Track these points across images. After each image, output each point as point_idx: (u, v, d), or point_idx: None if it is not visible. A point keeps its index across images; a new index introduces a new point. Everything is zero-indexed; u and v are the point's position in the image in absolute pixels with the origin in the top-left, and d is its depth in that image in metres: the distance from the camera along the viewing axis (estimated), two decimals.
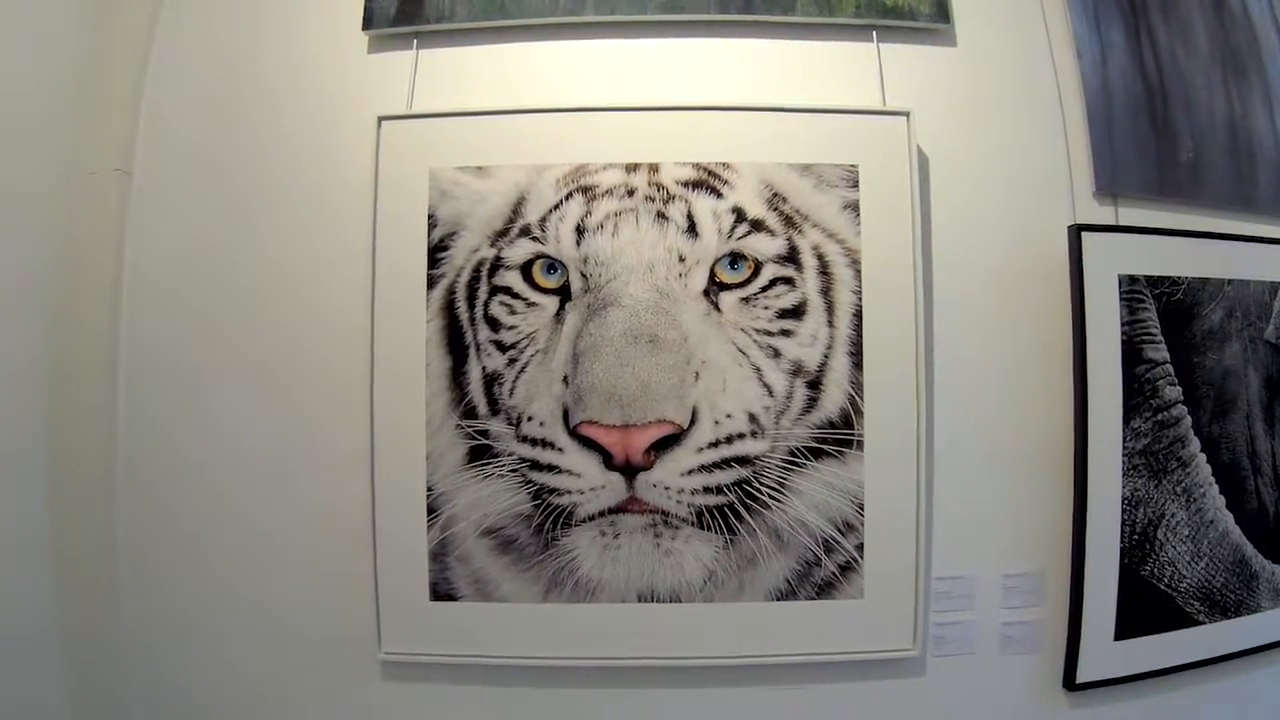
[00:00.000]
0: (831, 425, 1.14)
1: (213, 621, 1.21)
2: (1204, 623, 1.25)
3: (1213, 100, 1.36)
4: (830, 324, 1.15)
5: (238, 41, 1.29)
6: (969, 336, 1.20)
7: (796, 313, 1.15)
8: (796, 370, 1.14)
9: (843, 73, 1.24)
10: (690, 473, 1.12)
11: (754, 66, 1.25)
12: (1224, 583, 1.26)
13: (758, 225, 1.15)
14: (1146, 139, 1.29)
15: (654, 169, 1.16)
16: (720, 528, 1.13)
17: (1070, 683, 1.19)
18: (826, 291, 1.15)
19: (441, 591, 1.16)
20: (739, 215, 1.15)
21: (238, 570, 1.21)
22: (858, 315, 1.15)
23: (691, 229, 1.15)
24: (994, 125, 1.25)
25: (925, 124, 1.20)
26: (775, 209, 1.16)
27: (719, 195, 1.16)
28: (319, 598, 1.20)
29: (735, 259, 1.14)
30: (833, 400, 1.14)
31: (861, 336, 1.15)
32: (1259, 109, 1.40)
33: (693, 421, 1.12)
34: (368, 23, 1.28)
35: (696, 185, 1.16)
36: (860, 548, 1.15)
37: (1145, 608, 1.21)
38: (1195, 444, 1.23)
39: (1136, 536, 1.20)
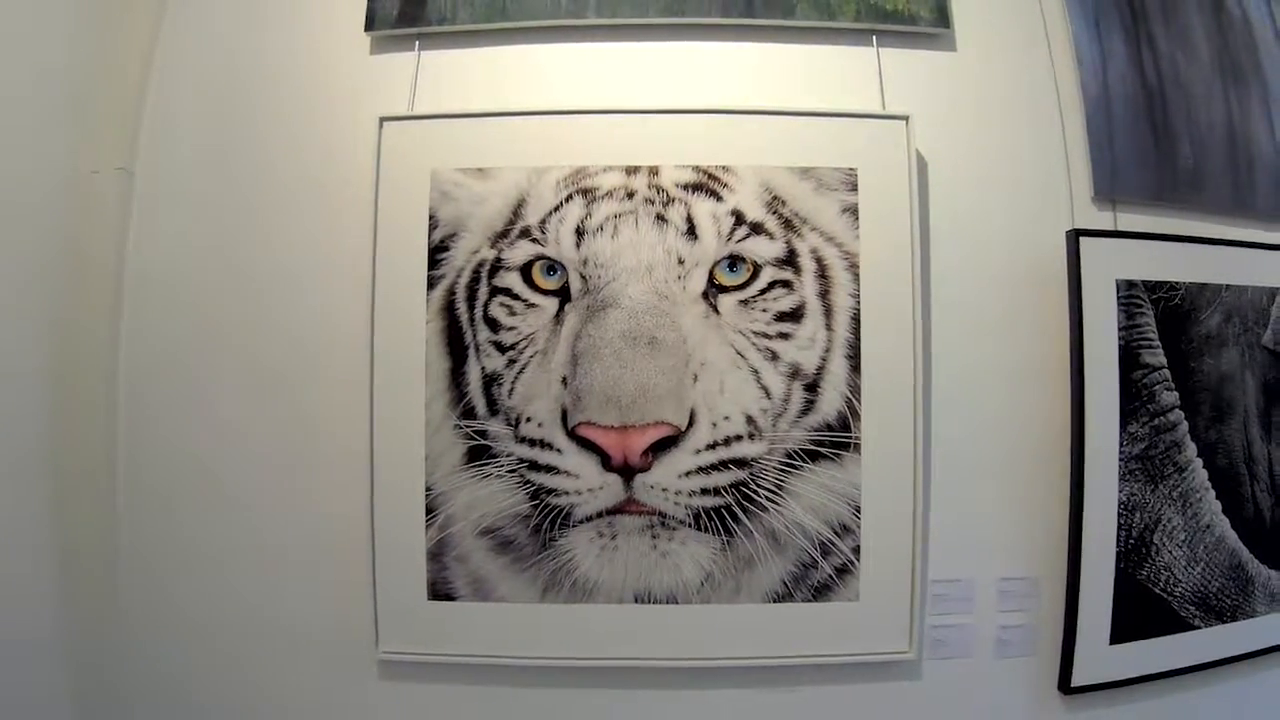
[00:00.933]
0: (829, 428, 1.15)
1: (213, 619, 1.22)
2: (1200, 627, 1.26)
3: (1212, 106, 1.37)
4: (828, 327, 1.15)
5: (241, 42, 1.30)
6: (967, 340, 1.21)
7: (794, 316, 1.15)
8: (794, 373, 1.14)
9: (843, 77, 1.24)
10: (688, 474, 1.13)
11: (755, 70, 1.25)
12: (1220, 587, 1.27)
13: (757, 228, 1.16)
14: (1146, 145, 1.29)
15: (654, 171, 1.17)
16: (717, 529, 1.14)
17: (1066, 686, 1.20)
18: (825, 295, 1.16)
19: (440, 591, 1.17)
20: (738, 218, 1.16)
21: (239, 568, 1.22)
22: (855, 319, 1.16)
23: (691, 231, 1.15)
24: (993, 130, 1.25)
25: (925, 128, 1.21)
26: (774, 212, 1.16)
27: (718, 198, 1.16)
28: (319, 596, 1.21)
29: (734, 261, 1.15)
30: (830, 403, 1.15)
31: (859, 340, 1.15)
32: (1258, 115, 1.41)
33: (691, 423, 1.13)
34: (370, 24, 1.29)
35: (696, 188, 1.16)
36: (857, 550, 1.15)
37: (1141, 612, 1.22)
38: (1192, 449, 1.23)
39: (1133, 541, 1.20)
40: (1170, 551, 1.22)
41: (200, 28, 1.31)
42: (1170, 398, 1.21)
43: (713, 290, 1.14)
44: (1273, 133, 1.42)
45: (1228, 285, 1.26)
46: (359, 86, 1.28)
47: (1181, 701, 1.27)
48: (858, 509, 1.15)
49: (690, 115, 1.19)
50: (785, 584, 1.15)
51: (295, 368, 1.23)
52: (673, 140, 1.18)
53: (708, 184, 1.17)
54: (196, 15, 1.31)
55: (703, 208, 1.16)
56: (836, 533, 1.15)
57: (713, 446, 1.13)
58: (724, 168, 1.17)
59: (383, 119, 1.21)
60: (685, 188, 1.16)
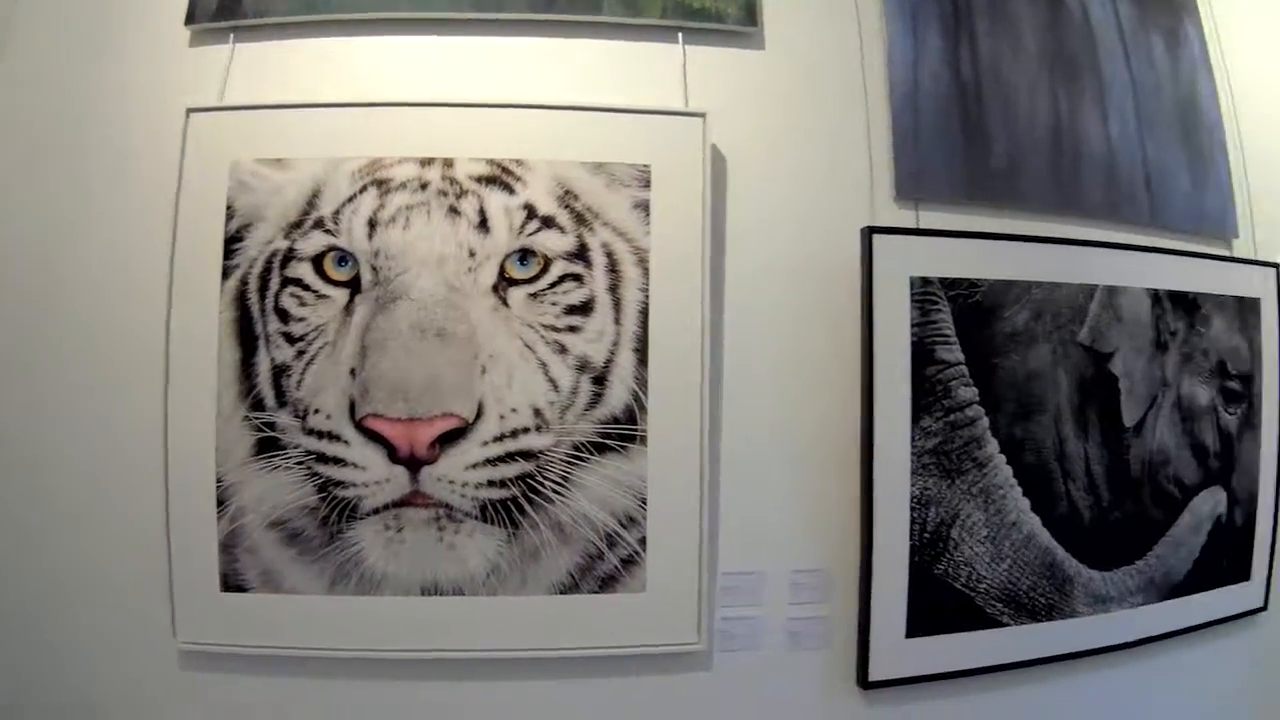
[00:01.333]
0: (616, 421, 1.15)
1: (28, 600, 1.20)
2: (1010, 624, 1.26)
3: (1036, 104, 1.38)
4: (617, 321, 1.16)
5: (68, 42, 1.29)
6: (763, 336, 1.21)
7: (584, 309, 1.15)
8: (582, 366, 1.15)
9: (649, 73, 1.25)
10: (474, 466, 1.13)
11: (561, 65, 1.26)
12: (1032, 585, 1.27)
13: (548, 222, 1.16)
14: (956, 143, 1.30)
15: (448, 164, 1.17)
16: (504, 522, 1.14)
17: (863, 680, 1.20)
18: (614, 289, 1.16)
19: (232, 583, 1.16)
20: (530, 212, 1.16)
21: (56, 550, 1.20)
22: (644, 313, 1.16)
23: (483, 224, 1.15)
24: (799, 128, 1.26)
25: (728, 126, 1.21)
26: (567, 206, 1.16)
27: (511, 191, 1.16)
28: (129, 582, 1.19)
29: (525, 255, 1.15)
30: (618, 396, 1.15)
31: (647, 334, 1.15)
32: (1090, 112, 1.42)
33: (478, 415, 1.13)
34: (190, 18, 1.28)
35: (489, 181, 1.16)
36: (643, 542, 1.16)
37: (941, 607, 1.22)
38: (993, 445, 1.23)
39: (928, 535, 1.21)
40: (971, 547, 1.23)
41: (30, 23, 1.30)
42: (968, 393, 1.22)
43: (503, 283, 1.14)
44: (1106, 130, 1.42)
45: (1038, 283, 1.27)
46: (178, 79, 1.27)
47: (992, 700, 1.28)
48: (644, 501, 1.15)
49: (486, 109, 1.19)
50: (572, 576, 1.15)
51: (104, 355, 1.22)
52: (468, 133, 1.18)
53: (501, 177, 1.17)
54: (26, 12, 1.30)
55: (495, 201, 1.16)
56: (623, 524, 1.15)
57: (499, 439, 1.13)
58: (518, 161, 1.17)
59: (189, 110, 1.20)
60: (478, 180, 1.16)
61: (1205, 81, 1.54)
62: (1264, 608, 1.53)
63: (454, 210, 1.15)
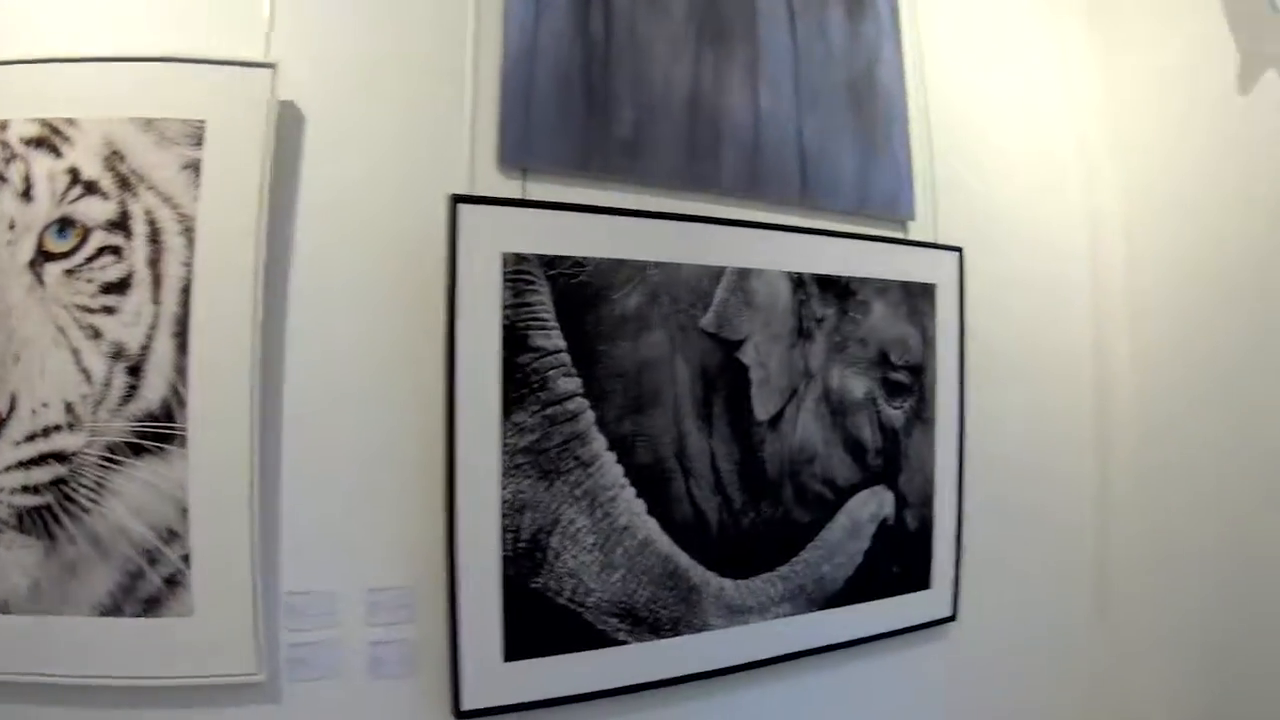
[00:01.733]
0: (153, 418, 1.00)
1: None
2: (629, 642, 1.06)
3: (674, 70, 1.17)
4: (155, 300, 1.00)
5: None
6: (337, 318, 1.04)
7: (121, 287, 1.01)
8: (117, 353, 1.00)
9: (233, 21, 1.08)
10: (8, 469, 1.00)
11: (145, 12, 1.11)
12: (651, 597, 1.07)
13: (91, 187, 1.02)
14: (575, 109, 1.10)
15: (3, 126, 1.04)
16: (41, 532, 1.01)
17: (457, 710, 1.01)
18: (155, 263, 1.01)
19: None
20: (74, 176, 1.02)
21: None
22: (187, 291, 1.00)
23: (27, 192, 1.02)
24: (397, 86, 1.09)
25: (313, 80, 1.05)
26: (112, 169, 1.02)
27: (58, 154, 1.03)
28: None
29: (64, 225, 1.02)
30: (154, 389, 1.00)
31: (189, 315, 0.99)
32: (738, 82, 1.21)
33: (11, 410, 1.00)
34: None
35: (39, 143, 1.03)
36: (187, 559, 1.00)
37: (544, 625, 1.05)
38: (600, 442, 1.03)
39: (523, 544, 1.01)
40: (575, 556, 1.03)
41: None
42: (569, 384, 1.01)
43: (40, 258, 1.01)
44: (754, 100, 1.20)
45: (657, 263, 1.04)
46: None
47: None
48: (185, 511, 0.99)
49: (44, 65, 1.06)
50: (114, 596, 1.01)
51: None
52: (29, 92, 1.06)
53: (50, 139, 1.03)
54: None
55: (41, 165, 1.03)
56: (164, 539, 1.00)
57: (32, 438, 1.00)
58: (69, 120, 1.04)
59: None
60: (28, 143, 1.04)
61: (890, 56, 1.31)
62: (953, 618, 1.32)
63: (2, 178, 1.03)
